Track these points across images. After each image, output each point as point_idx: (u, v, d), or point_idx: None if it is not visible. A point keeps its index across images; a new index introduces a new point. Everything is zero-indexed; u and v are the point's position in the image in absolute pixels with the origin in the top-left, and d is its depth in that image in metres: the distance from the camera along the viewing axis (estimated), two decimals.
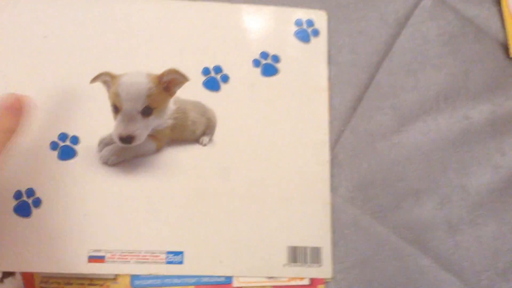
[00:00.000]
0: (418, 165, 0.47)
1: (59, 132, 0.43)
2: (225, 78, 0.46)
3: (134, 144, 0.42)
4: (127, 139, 0.42)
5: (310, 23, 0.49)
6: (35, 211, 0.42)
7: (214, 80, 0.45)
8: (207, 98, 0.45)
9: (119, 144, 0.42)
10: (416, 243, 0.45)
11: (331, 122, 0.48)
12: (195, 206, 0.43)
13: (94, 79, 0.44)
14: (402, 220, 0.45)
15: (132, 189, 0.43)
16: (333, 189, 0.46)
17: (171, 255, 0.42)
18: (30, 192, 0.42)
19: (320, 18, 0.49)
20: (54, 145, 0.43)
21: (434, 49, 0.51)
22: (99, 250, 0.41)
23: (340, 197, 0.46)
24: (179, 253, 0.42)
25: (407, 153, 0.47)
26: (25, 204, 0.42)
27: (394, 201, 0.46)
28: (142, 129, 0.42)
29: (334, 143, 0.47)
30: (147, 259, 0.41)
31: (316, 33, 0.49)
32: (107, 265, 0.41)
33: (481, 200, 0.46)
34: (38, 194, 0.42)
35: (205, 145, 0.44)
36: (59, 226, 0.42)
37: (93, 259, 0.41)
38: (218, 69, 0.46)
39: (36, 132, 0.43)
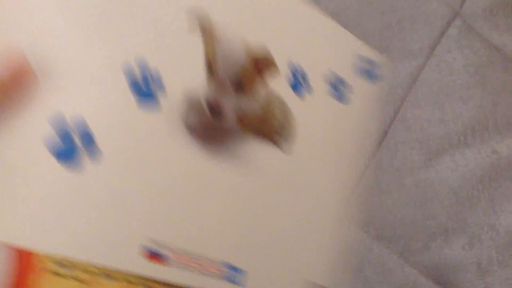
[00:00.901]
0: (447, 203, 0.46)
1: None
2: (309, 88, 0.41)
3: (222, 121, 0.34)
4: (215, 110, 0.34)
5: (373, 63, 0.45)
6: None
7: (300, 84, 0.41)
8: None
9: (207, 111, 0.33)
10: (446, 285, 0.44)
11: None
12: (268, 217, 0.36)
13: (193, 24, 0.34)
14: (431, 261, 0.45)
15: (209, 174, 0.35)
16: (359, 226, 0.45)
17: (231, 270, 0.34)
18: (87, 137, 0.30)
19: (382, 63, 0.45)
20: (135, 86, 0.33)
21: (461, 80, 0.49)
22: (159, 244, 0.31)
23: (368, 234, 0.45)
24: (241, 271, 0.34)
25: (435, 190, 0.46)
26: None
27: (422, 240, 0.45)
28: (231, 105, 0.34)
29: (359, 179, 0.47)
30: (205, 268, 0.33)
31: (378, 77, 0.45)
32: (170, 270, 0.32)
33: (511, 239, 0.45)
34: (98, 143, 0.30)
35: (286, 151, 0.40)
36: (114, 194, 0.31)
37: (149, 253, 0.31)
38: (304, 75, 0.42)
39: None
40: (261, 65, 0.37)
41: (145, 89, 0.33)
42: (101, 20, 0.34)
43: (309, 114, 0.40)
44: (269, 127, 0.38)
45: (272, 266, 0.36)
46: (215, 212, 0.34)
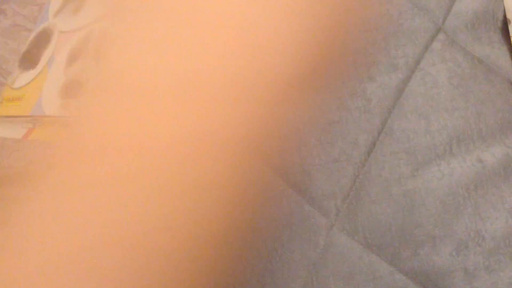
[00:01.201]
0: (434, 211, 0.48)
1: None
2: None
3: None
4: None
5: None
6: None
7: None
8: None
9: None
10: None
11: (345, 168, 0.49)
12: None
13: None
14: (420, 267, 0.46)
15: None
16: (350, 235, 0.47)
17: None
18: None
19: None
20: None
21: (445, 92, 0.51)
22: None
23: (358, 242, 0.47)
24: None
25: (423, 199, 0.48)
26: None
27: (411, 248, 0.46)
28: None
29: (349, 189, 0.48)
30: None
31: None
32: None
33: (497, 245, 0.47)
34: None
35: None
36: None
37: None
38: None
39: None
40: None
41: None
42: None
43: None
44: None
45: None
46: None
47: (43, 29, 0.43)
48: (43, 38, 0.42)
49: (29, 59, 0.42)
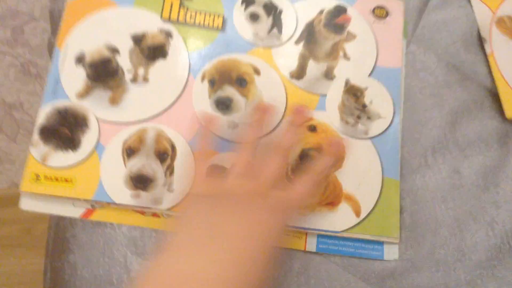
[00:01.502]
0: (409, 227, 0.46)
1: None
2: None
3: None
4: None
5: None
6: None
7: None
8: None
9: None
10: None
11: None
12: None
13: None
14: (398, 285, 0.44)
15: None
16: (326, 257, 0.45)
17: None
18: None
19: None
20: None
21: (418, 103, 0.50)
22: None
23: (334, 264, 0.45)
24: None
25: None
26: None
27: (388, 267, 0.45)
28: None
29: None
30: None
31: None
32: None
33: (478, 259, 0.45)
34: None
35: None
36: None
37: None
38: None
39: None
40: None
41: None
42: None
43: None
44: None
45: None
46: None
47: (67, 108, 0.45)
48: (76, 120, 0.45)
49: (60, 139, 0.44)
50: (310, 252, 0.45)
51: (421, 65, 0.51)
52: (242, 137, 0.41)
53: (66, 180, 0.43)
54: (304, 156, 0.44)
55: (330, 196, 0.44)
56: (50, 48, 0.56)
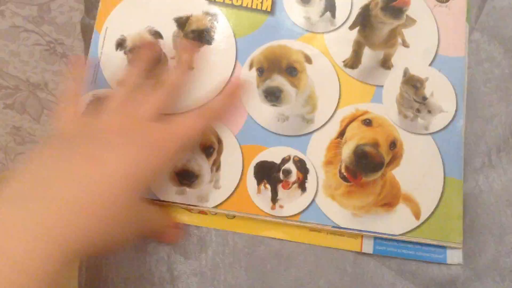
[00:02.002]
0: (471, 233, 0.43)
1: None
2: None
3: None
4: None
5: None
6: None
7: None
8: None
9: None
10: None
11: None
12: None
13: None
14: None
15: None
16: (379, 260, 0.42)
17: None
18: None
19: None
20: None
21: (482, 98, 0.46)
22: None
23: (390, 269, 0.42)
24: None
25: None
26: None
27: (448, 274, 0.42)
28: None
29: None
30: None
31: None
32: None
33: None
34: None
35: None
36: None
37: None
38: None
39: None
40: None
41: None
42: None
43: None
44: None
45: None
46: None
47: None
48: None
49: None
50: (366, 254, 0.42)
51: (486, 55, 0.47)
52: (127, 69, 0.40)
53: None
54: (359, 153, 0.41)
55: (388, 196, 0.41)
56: (84, 29, 0.53)
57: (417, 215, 0.41)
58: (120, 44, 0.44)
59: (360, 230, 0.41)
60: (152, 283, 0.43)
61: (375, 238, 0.42)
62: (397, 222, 0.41)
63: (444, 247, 0.42)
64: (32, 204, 0.28)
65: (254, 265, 0.42)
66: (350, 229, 0.41)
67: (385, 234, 0.41)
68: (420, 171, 0.42)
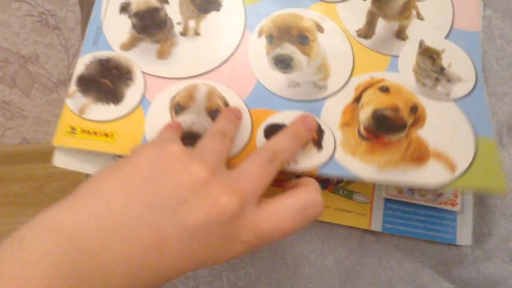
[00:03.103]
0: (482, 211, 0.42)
1: None
2: None
3: None
4: None
5: None
6: None
7: None
8: None
9: None
10: None
11: None
12: None
13: None
14: (468, 275, 0.41)
15: None
16: (387, 239, 0.41)
17: None
18: None
19: None
20: None
21: (493, 75, 0.45)
22: None
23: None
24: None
25: None
26: None
27: (458, 252, 0.41)
28: None
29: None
30: None
31: None
32: None
33: None
34: None
35: None
36: None
37: None
38: None
39: None
40: None
41: None
42: None
43: None
44: None
45: None
46: None
47: (111, 59, 0.41)
48: (120, 72, 0.41)
49: (101, 91, 0.40)
50: (374, 233, 0.41)
51: (498, 32, 0.46)
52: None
53: (106, 135, 0.39)
54: (378, 117, 0.39)
55: (416, 153, 0.39)
56: (82, 6, 0.51)
57: (452, 168, 0.38)
58: (124, 8, 0.42)
59: (390, 182, 0.38)
60: None
61: (385, 215, 0.41)
62: (431, 175, 0.38)
63: (454, 227, 0.41)
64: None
65: None
66: (378, 181, 0.38)
67: (419, 186, 0.38)
68: (447, 131, 0.39)
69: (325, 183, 0.42)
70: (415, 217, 0.42)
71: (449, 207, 0.42)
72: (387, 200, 0.42)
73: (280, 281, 0.41)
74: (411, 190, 0.43)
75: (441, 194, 0.42)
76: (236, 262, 0.41)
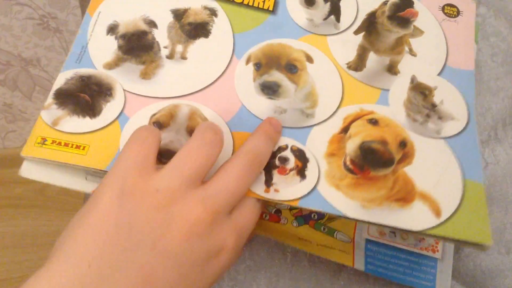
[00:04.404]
0: None
1: None
2: None
3: None
4: None
5: None
6: None
7: None
8: None
9: None
10: None
11: None
12: None
13: None
14: (464, 267, 0.42)
15: None
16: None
17: None
18: None
19: None
20: None
21: (488, 71, 0.46)
22: None
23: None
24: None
25: None
26: None
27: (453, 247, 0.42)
28: None
29: None
30: None
31: None
32: None
33: None
34: None
35: None
36: None
37: None
38: None
39: None
40: None
41: None
42: None
43: None
44: None
45: None
46: None
47: (92, 76, 0.41)
48: (100, 89, 0.40)
49: (78, 104, 0.39)
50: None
51: (492, 29, 0.47)
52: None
53: (78, 147, 0.38)
54: (366, 149, 0.38)
55: (401, 191, 0.37)
56: (83, 2, 0.52)
57: (437, 212, 0.37)
58: (112, 29, 0.42)
59: (373, 223, 0.36)
60: None
61: (366, 256, 0.41)
62: (415, 218, 0.36)
63: (435, 274, 0.41)
64: None
65: (258, 236, 0.42)
66: (361, 220, 0.36)
67: (404, 229, 0.36)
68: (435, 171, 0.38)
69: (306, 218, 0.42)
70: (396, 261, 0.41)
71: (430, 253, 0.41)
72: (368, 241, 0.42)
73: (279, 275, 0.42)
74: (393, 232, 0.42)
75: (423, 239, 0.42)
76: None
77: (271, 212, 0.42)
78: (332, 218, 0.42)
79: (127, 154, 0.31)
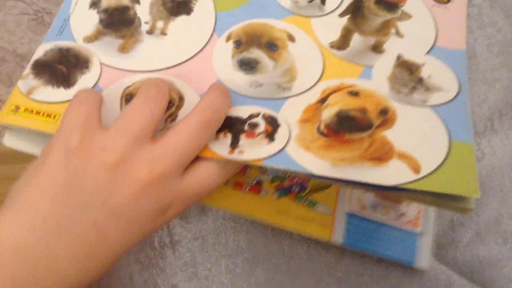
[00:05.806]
0: None
1: None
2: None
3: None
4: None
5: None
6: None
7: None
8: None
9: None
10: (481, 282, 0.41)
11: None
12: None
13: None
14: (462, 258, 0.42)
15: None
16: None
17: None
18: None
19: None
20: None
21: (484, 62, 0.46)
22: None
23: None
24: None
25: None
26: None
27: (451, 236, 0.42)
28: None
29: None
30: None
31: None
32: None
33: None
34: None
35: None
36: None
37: None
38: None
39: None
40: None
41: None
42: None
43: None
44: None
45: None
46: None
47: (71, 48, 0.41)
48: (78, 61, 0.40)
49: (54, 75, 0.39)
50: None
51: (488, 19, 0.47)
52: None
53: (49, 115, 0.39)
54: (343, 116, 0.36)
55: (377, 152, 0.36)
56: None
57: (415, 169, 0.35)
58: (95, 3, 0.42)
59: (342, 180, 0.35)
60: (152, 248, 0.42)
61: (347, 229, 0.41)
62: (389, 174, 0.35)
63: (414, 244, 0.41)
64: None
65: (256, 228, 0.42)
66: (329, 178, 0.35)
67: (374, 185, 0.34)
68: (417, 135, 0.36)
69: (287, 190, 0.43)
70: (376, 234, 0.42)
71: (410, 228, 0.41)
72: (349, 215, 0.42)
73: (276, 267, 0.42)
74: (373, 206, 0.42)
75: (403, 213, 0.42)
76: (234, 248, 0.42)
77: (252, 183, 0.42)
78: (314, 190, 0.43)
79: (70, 115, 0.32)
